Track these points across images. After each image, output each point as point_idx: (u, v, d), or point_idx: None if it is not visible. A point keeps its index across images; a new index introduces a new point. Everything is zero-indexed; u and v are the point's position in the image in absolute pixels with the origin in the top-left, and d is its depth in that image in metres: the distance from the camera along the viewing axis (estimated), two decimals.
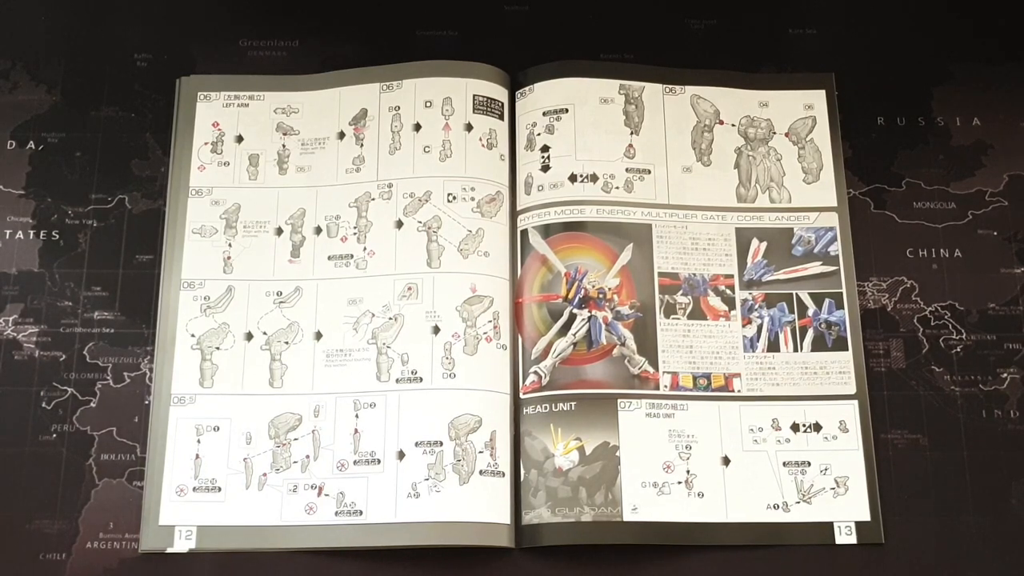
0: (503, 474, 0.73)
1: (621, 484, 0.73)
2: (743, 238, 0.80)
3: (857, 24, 0.87)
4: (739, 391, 0.76)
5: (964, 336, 0.78)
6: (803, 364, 0.77)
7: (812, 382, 0.76)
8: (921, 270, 0.80)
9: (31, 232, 0.79)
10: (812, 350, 0.77)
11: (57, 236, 0.79)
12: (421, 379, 0.74)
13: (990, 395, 0.77)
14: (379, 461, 0.73)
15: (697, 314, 0.77)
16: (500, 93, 0.82)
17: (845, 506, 0.73)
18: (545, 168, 0.80)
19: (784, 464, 0.74)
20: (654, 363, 0.76)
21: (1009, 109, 0.84)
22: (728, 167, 0.81)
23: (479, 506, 0.72)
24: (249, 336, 0.77)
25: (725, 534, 0.72)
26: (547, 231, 0.79)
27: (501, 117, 0.82)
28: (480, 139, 0.80)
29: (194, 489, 0.73)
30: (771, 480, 0.74)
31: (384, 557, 0.72)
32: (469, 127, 0.80)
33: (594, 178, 0.80)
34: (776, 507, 0.73)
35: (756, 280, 0.79)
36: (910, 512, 0.74)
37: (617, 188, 0.80)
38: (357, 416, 0.74)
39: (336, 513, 0.72)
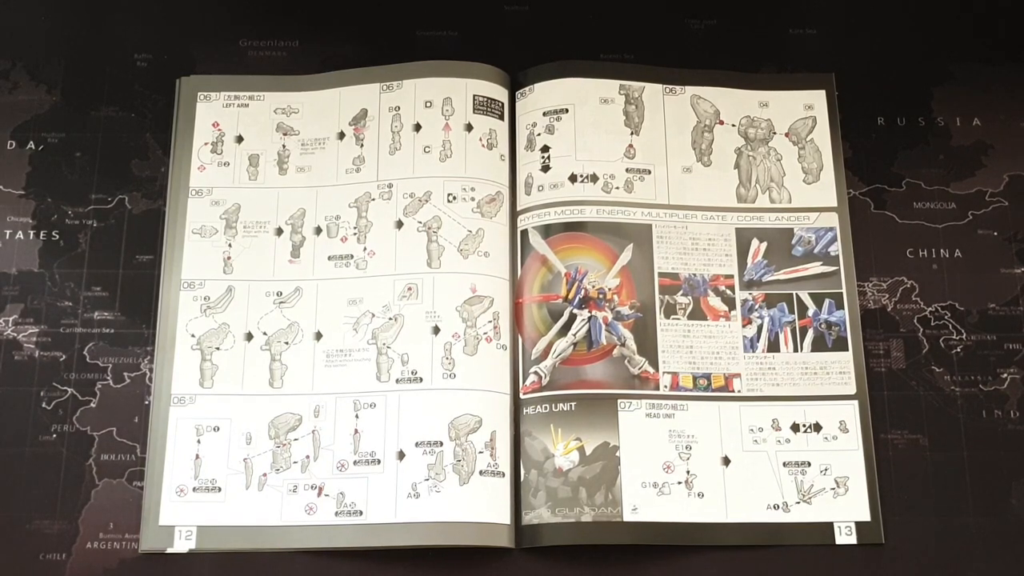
0: (503, 474, 0.73)
1: (621, 484, 0.73)
2: (743, 238, 0.80)
3: (857, 24, 0.87)
4: (739, 391, 0.76)
5: (964, 336, 0.78)
6: (803, 364, 0.77)
7: (812, 382, 0.76)
8: (921, 270, 0.80)
9: (31, 232, 0.79)
10: (812, 350, 0.77)
11: (57, 236, 0.79)
12: (421, 379, 0.74)
13: (990, 395, 0.77)
14: (379, 461, 0.73)
15: (697, 314, 0.77)
16: (500, 93, 0.82)
17: (845, 506, 0.73)
18: (545, 168, 0.80)
19: (784, 464, 0.74)
20: (654, 363, 0.76)
21: (1009, 109, 0.84)
22: (728, 167, 0.81)
23: (479, 506, 0.72)
24: (249, 336, 0.77)
25: (725, 534, 0.72)
26: (547, 231, 0.79)
27: (501, 117, 0.82)
28: (480, 139, 0.80)
29: (194, 489, 0.73)
30: (771, 480, 0.74)
31: (384, 557, 0.72)
32: (469, 127, 0.80)
33: (594, 178, 0.80)
34: (776, 507, 0.73)
35: (756, 280, 0.79)
36: (910, 512, 0.74)
37: (617, 188, 0.80)
38: (357, 416, 0.74)
39: (336, 513, 0.72)
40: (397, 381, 0.75)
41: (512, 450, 0.74)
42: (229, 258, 0.78)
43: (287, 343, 0.76)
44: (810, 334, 0.77)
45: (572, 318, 0.77)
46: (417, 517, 0.71)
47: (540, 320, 0.77)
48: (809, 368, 0.76)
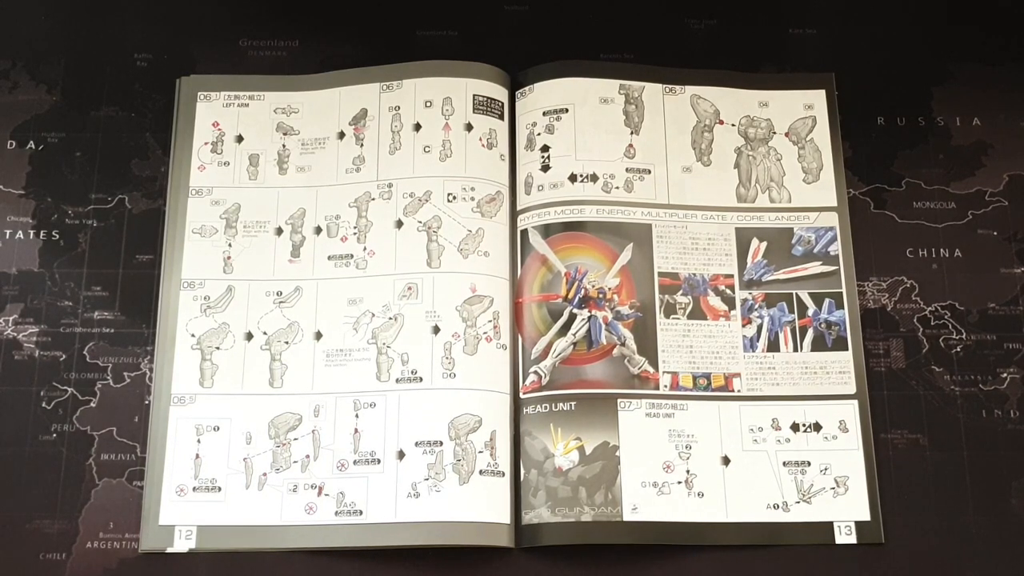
0: (503, 474, 0.73)
1: (621, 484, 0.73)
2: (743, 238, 0.80)
3: (857, 24, 0.87)
4: (739, 391, 0.76)
5: (964, 336, 0.78)
6: (803, 364, 0.77)
7: (812, 382, 0.76)
8: (921, 270, 0.80)
9: (31, 232, 0.79)
10: (812, 350, 0.77)
11: (57, 236, 0.79)
12: (421, 379, 0.74)
13: (990, 395, 0.77)
14: (379, 461, 0.73)
15: (697, 314, 0.77)
16: (500, 93, 0.82)
17: (845, 506, 0.73)
18: (545, 168, 0.80)
19: (784, 464, 0.74)
20: (654, 363, 0.76)
21: (1009, 109, 0.84)
22: (728, 167, 0.81)
23: (479, 506, 0.72)
24: (249, 336, 0.77)
25: (725, 534, 0.72)
26: (547, 231, 0.79)
27: (501, 117, 0.82)
28: (480, 139, 0.80)
29: (194, 489, 0.73)
30: (771, 480, 0.74)
31: (384, 557, 0.72)
32: (469, 127, 0.80)
33: (594, 178, 0.80)
34: (776, 507, 0.73)
35: (756, 280, 0.79)
36: (910, 512, 0.74)
37: (617, 188, 0.80)
38: (357, 416, 0.74)
39: (336, 513, 0.72)
40: (397, 381, 0.75)
41: (512, 450, 0.74)
42: (229, 258, 0.78)
43: (287, 343, 0.76)
44: (810, 334, 0.77)
45: (572, 318, 0.77)
46: (417, 517, 0.71)
47: (540, 320, 0.77)
48: (809, 368, 0.76)
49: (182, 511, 0.72)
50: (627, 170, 0.80)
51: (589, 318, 0.77)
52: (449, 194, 0.79)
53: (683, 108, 0.83)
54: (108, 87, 0.83)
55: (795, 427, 0.75)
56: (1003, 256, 0.80)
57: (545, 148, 0.80)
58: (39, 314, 0.77)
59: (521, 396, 0.75)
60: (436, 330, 0.75)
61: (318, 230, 0.79)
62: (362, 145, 0.81)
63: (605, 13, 0.87)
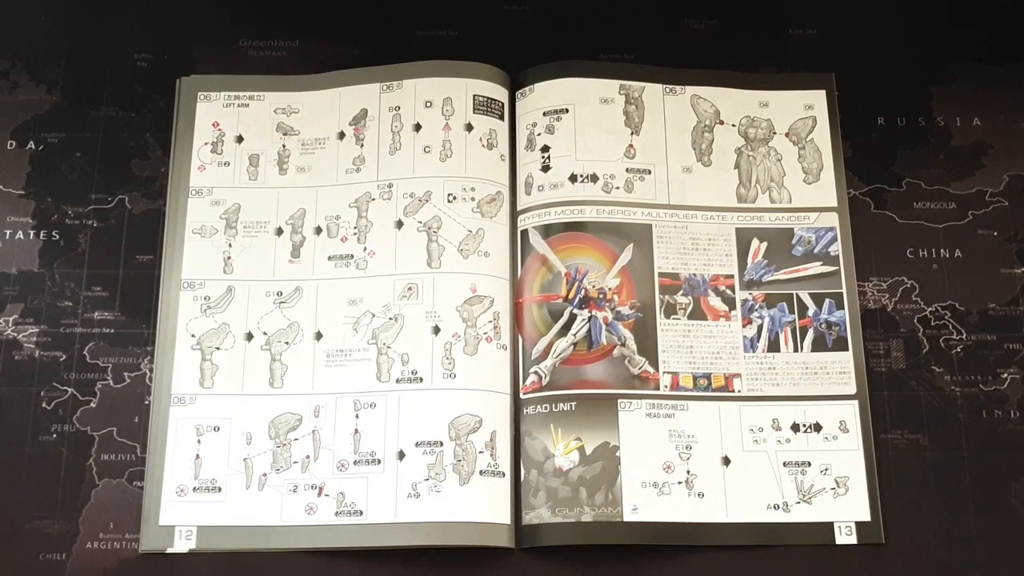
0: (503, 474, 0.73)
1: (621, 484, 0.73)
2: (743, 238, 0.80)
3: (857, 24, 0.87)
4: (739, 391, 0.76)
5: (964, 336, 0.78)
6: (803, 364, 0.77)
7: (812, 382, 0.76)
8: (921, 270, 0.80)
9: (31, 232, 0.79)
10: (812, 350, 0.77)
11: (57, 236, 0.79)
12: (421, 379, 0.74)
13: (990, 395, 0.77)
14: (379, 461, 0.73)
15: (697, 314, 0.77)
16: (500, 93, 0.82)
17: (845, 506, 0.73)
18: (545, 168, 0.80)
19: (784, 464, 0.74)
20: (654, 363, 0.76)
21: (1009, 109, 0.84)
22: (728, 167, 0.81)
23: (479, 506, 0.72)
24: (249, 336, 0.77)
25: (725, 534, 0.72)
26: (547, 231, 0.79)
27: (501, 117, 0.82)
28: (480, 139, 0.80)
29: (194, 489, 0.73)
30: (771, 480, 0.74)
31: (384, 557, 0.72)
32: (469, 127, 0.80)
33: (594, 178, 0.80)
34: (776, 507, 0.73)
35: (756, 280, 0.79)
36: (910, 512, 0.74)
37: (617, 188, 0.80)
38: (357, 416, 0.74)
39: (336, 513, 0.72)
40: (397, 381, 0.75)
41: (512, 450, 0.74)
42: (229, 258, 0.78)
43: (287, 343, 0.76)
44: (810, 334, 0.77)
45: (572, 318, 0.77)
46: (417, 517, 0.71)
47: (540, 320, 0.77)
48: (809, 368, 0.76)
49: (182, 511, 0.72)
50: (627, 170, 0.80)
51: (589, 318, 0.77)
52: (449, 194, 0.79)
53: (683, 108, 0.83)
54: (108, 87, 0.83)
55: (795, 427, 0.75)
56: (1003, 256, 0.80)
57: (545, 148, 0.80)
58: (39, 314, 0.77)
59: (521, 396, 0.75)
60: (436, 330, 0.75)
61: (318, 230, 0.79)
62: (362, 145, 0.81)
63: (605, 13, 0.87)
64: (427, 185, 0.79)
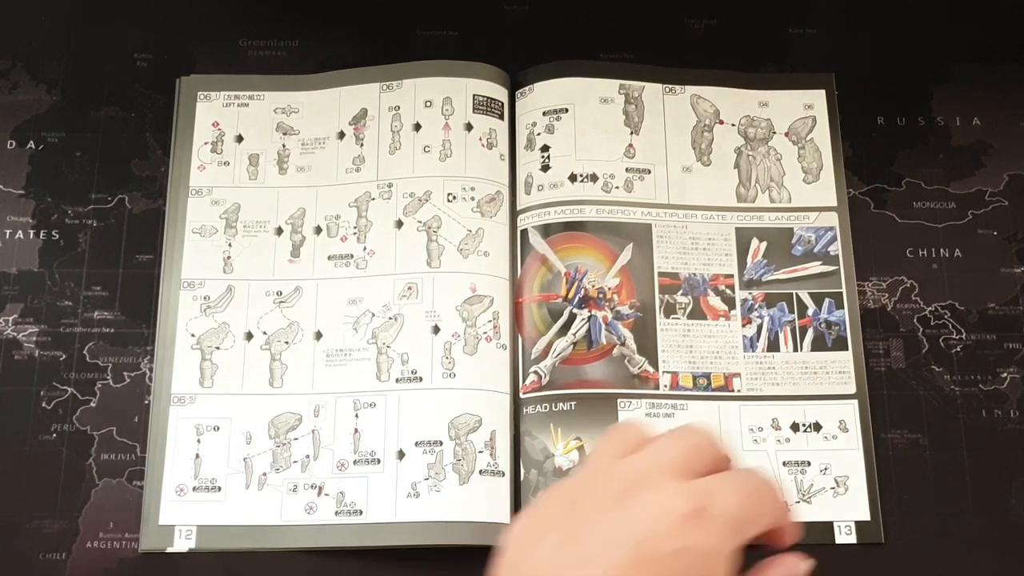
0: (503, 474, 0.73)
1: None
2: (743, 238, 0.80)
3: (857, 24, 0.87)
4: (739, 391, 0.76)
5: (964, 336, 0.78)
6: (803, 364, 0.77)
7: (812, 382, 0.76)
8: (921, 270, 0.80)
9: (31, 232, 0.79)
10: (812, 350, 0.77)
11: (57, 236, 0.79)
12: (421, 379, 0.74)
13: (990, 395, 0.77)
14: (379, 461, 0.73)
15: (697, 314, 0.77)
16: (500, 93, 0.82)
17: (845, 506, 0.73)
18: (545, 168, 0.80)
19: (784, 464, 0.74)
20: (654, 363, 0.76)
21: (1009, 109, 0.84)
22: (728, 167, 0.81)
23: (479, 506, 0.72)
24: (249, 336, 0.77)
25: None
26: (547, 231, 0.79)
27: (501, 117, 0.82)
28: (480, 139, 0.80)
29: (194, 489, 0.73)
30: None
31: (384, 557, 0.72)
32: (469, 127, 0.80)
33: (594, 178, 0.80)
34: None
35: (756, 280, 0.79)
36: (910, 512, 0.74)
37: (617, 188, 0.80)
38: (357, 416, 0.74)
39: (336, 513, 0.72)
40: (397, 381, 0.75)
41: (512, 450, 0.74)
42: (229, 258, 0.78)
43: (287, 343, 0.76)
44: (810, 334, 0.77)
45: (572, 318, 0.77)
46: (417, 517, 0.71)
47: (540, 320, 0.77)
48: (809, 368, 0.76)
49: (182, 511, 0.72)
50: (627, 170, 0.80)
51: (589, 318, 0.77)
52: (449, 194, 0.79)
53: (683, 108, 0.83)
54: (108, 87, 0.83)
55: (795, 427, 0.75)
56: (1003, 256, 0.80)
57: (545, 148, 0.80)
58: (39, 314, 0.77)
59: (521, 396, 0.75)
60: (436, 330, 0.75)
61: (318, 230, 0.79)
62: (362, 145, 0.81)
63: (605, 13, 0.87)
64: (427, 185, 0.79)
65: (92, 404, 0.75)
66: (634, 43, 0.85)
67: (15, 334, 0.77)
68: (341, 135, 0.81)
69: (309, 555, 0.72)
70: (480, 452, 0.73)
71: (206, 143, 0.81)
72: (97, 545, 0.72)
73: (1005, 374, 0.77)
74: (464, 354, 0.75)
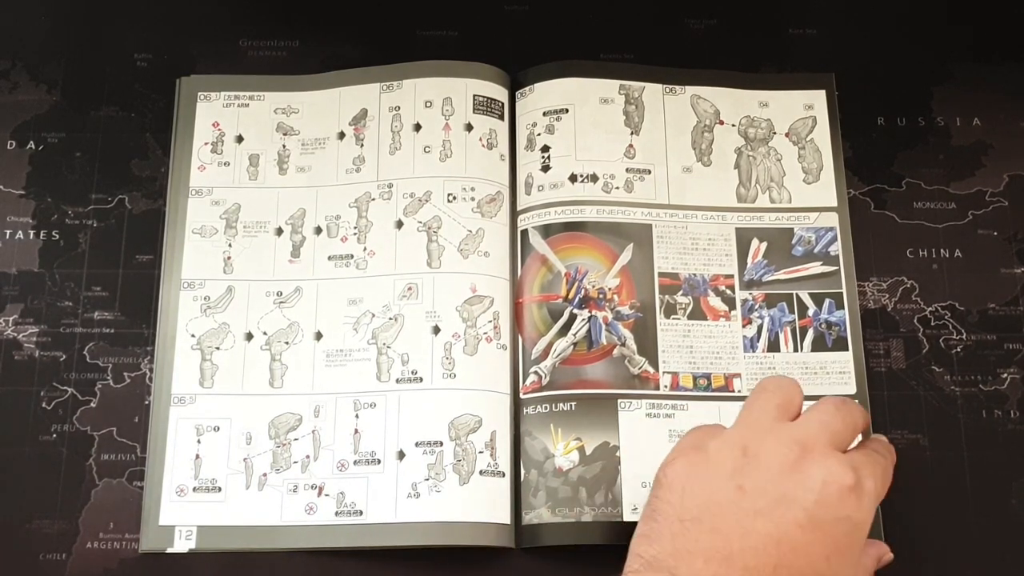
0: (503, 474, 0.73)
1: (621, 484, 0.73)
2: (743, 238, 0.80)
3: (857, 24, 0.87)
4: (739, 391, 0.76)
5: (964, 336, 0.78)
6: (803, 364, 0.77)
7: (812, 382, 0.76)
8: (921, 270, 0.80)
9: (31, 232, 0.79)
10: (812, 350, 0.77)
11: (57, 236, 0.79)
12: (421, 379, 0.74)
13: (990, 395, 0.77)
14: (379, 461, 0.73)
15: (697, 314, 0.77)
16: (500, 93, 0.82)
17: None
18: (545, 168, 0.80)
19: None
20: (654, 363, 0.76)
21: (1009, 109, 0.84)
22: (728, 167, 0.81)
23: (479, 506, 0.72)
24: (249, 336, 0.77)
25: None
26: (547, 231, 0.79)
27: (501, 117, 0.82)
28: (480, 139, 0.80)
29: (194, 489, 0.73)
30: None
31: (384, 557, 0.72)
32: (469, 127, 0.80)
33: (594, 178, 0.80)
34: None
35: (756, 280, 0.79)
36: (910, 512, 0.74)
37: (617, 188, 0.80)
38: (357, 416, 0.74)
39: (336, 513, 0.72)
40: (397, 381, 0.75)
41: (512, 450, 0.74)
42: (229, 258, 0.78)
43: (287, 343, 0.76)
44: (810, 334, 0.77)
45: (572, 318, 0.77)
46: (417, 517, 0.71)
47: (540, 320, 0.77)
48: (809, 368, 0.77)
49: (182, 511, 0.72)
50: (627, 170, 0.80)
51: (589, 318, 0.77)
52: (449, 194, 0.79)
53: (683, 108, 0.83)
54: (108, 87, 0.83)
55: None
56: (1003, 256, 0.80)
57: (545, 148, 0.80)
58: (39, 314, 0.77)
59: (521, 396, 0.75)
60: (436, 330, 0.75)
61: (318, 230, 0.79)
62: (362, 145, 0.81)
63: (605, 13, 0.87)
64: (427, 185, 0.79)
65: (92, 404, 0.75)
66: (634, 43, 0.85)
67: (15, 334, 0.77)
68: (341, 135, 0.81)
69: (309, 555, 0.72)
70: (480, 452, 0.73)
71: (206, 143, 0.81)
72: (97, 545, 0.72)
73: (1005, 374, 0.77)
74: (464, 354, 0.75)
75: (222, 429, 0.74)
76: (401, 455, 0.73)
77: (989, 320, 0.78)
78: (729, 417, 0.75)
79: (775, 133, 0.82)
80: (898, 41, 0.86)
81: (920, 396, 0.77)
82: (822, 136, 0.82)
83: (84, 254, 0.79)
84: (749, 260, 0.79)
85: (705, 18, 0.87)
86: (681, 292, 0.78)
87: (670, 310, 0.77)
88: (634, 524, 0.72)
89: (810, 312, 0.78)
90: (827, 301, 0.78)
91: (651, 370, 0.76)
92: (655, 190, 0.80)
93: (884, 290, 0.79)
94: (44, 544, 0.72)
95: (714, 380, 0.76)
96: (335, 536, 0.72)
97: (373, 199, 0.79)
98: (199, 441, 0.74)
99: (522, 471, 0.74)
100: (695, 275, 0.78)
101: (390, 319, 0.76)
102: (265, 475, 0.73)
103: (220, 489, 0.73)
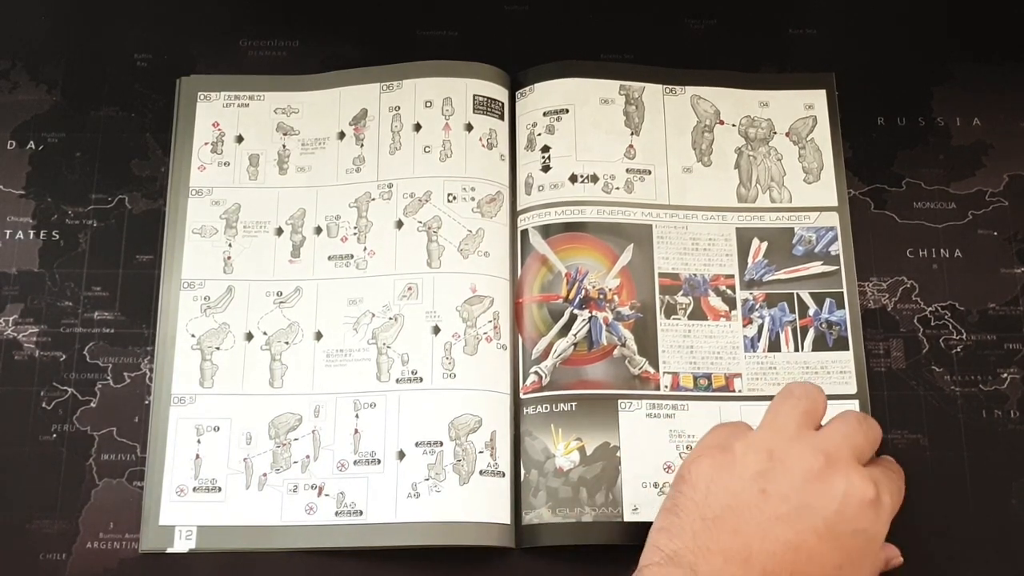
0: (503, 474, 0.73)
1: (622, 484, 0.73)
2: (744, 238, 0.80)
3: (857, 24, 0.87)
4: (740, 391, 0.76)
5: (964, 336, 0.78)
6: (804, 364, 0.77)
7: (813, 382, 0.76)
8: (921, 270, 0.80)
9: (31, 232, 0.79)
10: (813, 350, 0.77)
11: (57, 236, 0.79)
12: (421, 379, 0.74)
13: (990, 395, 0.77)
14: (379, 461, 0.73)
15: (698, 314, 0.77)
16: (500, 93, 0.82)
17: None
18: (545, 168, 0.80)
19: None
20: (655, 363, 0.76)
21: (1009, 109, 0.84)
22: (728, 167, 0.81)
23: (479, 506, 0.72)
24: (249, 336, 0.77)
25: None
26: (547, 231, 0.79)
27: (501, 117, 0.82)
28: (480, 139, 0.80)
29: (194, 489, 0.73)
30: None
31: (384, 557, 0.72)
32: (469, 127, 0.80)
33: (594, 178, 0.80)
34: None
35: (757, 280, 0.79)
36: (910, 512, 0.74)
37: (617, 188, 0.80)
38: (357, 416, 0.74)
39: (336, 513, 0.72)
40: (397, 381, 0.75)
41: (512, 450, 0.74)
42: (229, 258, 0.78)
43: (287, 343, 0.76)
44: (811, 334, 0.77)
45: (572, 318, 0.77)
46: (417, 517, 0.71)
47: (540, 320, 0.77)
48: (810, 368, 0.77)
49: (182, 511, 0.72)
50: (627, 171, 0.80)
51: (590, 319, 0.77)
52: (449, 194, 0.79)
53: (683, 108, 0.83)
54: (108, 87, 0.83)
55: None
56: (1003, 256, 0.80)
57: (545, 148, 0.80)
58: (39, 314, 0.77)
59: (521, 396, 0.75)
60: (436, 330, 0.75)
61: (318, 230, 0.79)
62: (362, 145, 0.81)
63: (605, 13, 0.87)
64: (427, 185, 0.79)
65: (92, 404, 0.75)
66: (634, 43, 0.85)
67: (15, 334, 0.77)
68: (341, 135, 0.81)
69: (309, 555, 0.72)
70: (480, 452, 0.73)
71: (206, 143, 0.81)
72: (97, 545, 0.72)
73: (1005, 374, 0.77)
74: (464, 354, 0.75)
75: (222, 429, 0.74)
76: (401, 455, 0.73)
77: (989, 320, 0.78)
78: (729, 417, 0.75)
79: (775, 133, 0.82)
80: (898, 41, 0.86)
81: (920, 396, 0.77)
82: (822, 136, 0.82)
83: (84, 254, 0.79)
84: (749, 260, 0.79)
85: (705, 18, 0.87)
86: (681, 292, 0.78)
87: (670, 310, 0.77)
88: (634, 524, 0.72)
89: (811, 312, 0.78)
90: (828, 301, 0.78)
91: (651, 370, 0.76)
92: (655, 190, 0.80)
93: (884, 290, 0.79)
94: (44, 544, 0.72)
95: (715, 380, 0.76)
96: (335, 536, 0.72)
97: (373, 199, 0.79)
98: (199, 441, 0.74)
99: (522, 471, 0.74)
100: (695, 275, 0.78)
101: (390, 319, 0.76)
102: (265, 475, 0.73)
103: (220, 489, 0.73)
